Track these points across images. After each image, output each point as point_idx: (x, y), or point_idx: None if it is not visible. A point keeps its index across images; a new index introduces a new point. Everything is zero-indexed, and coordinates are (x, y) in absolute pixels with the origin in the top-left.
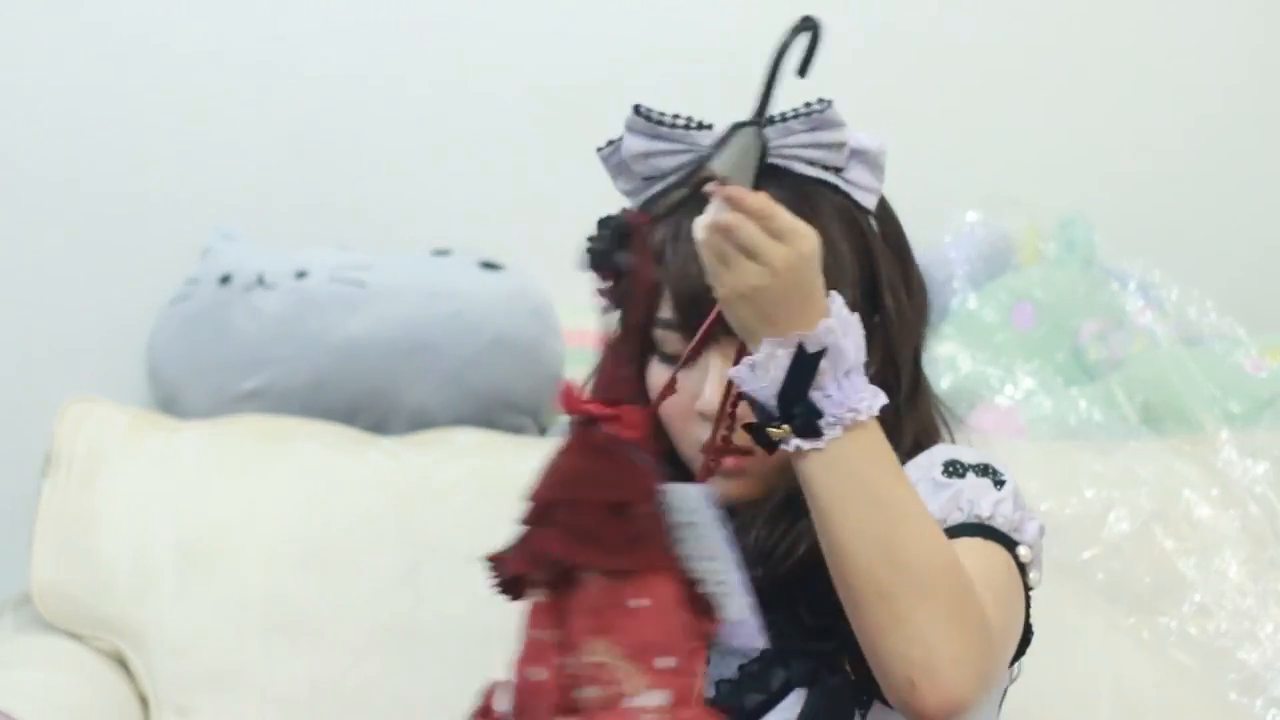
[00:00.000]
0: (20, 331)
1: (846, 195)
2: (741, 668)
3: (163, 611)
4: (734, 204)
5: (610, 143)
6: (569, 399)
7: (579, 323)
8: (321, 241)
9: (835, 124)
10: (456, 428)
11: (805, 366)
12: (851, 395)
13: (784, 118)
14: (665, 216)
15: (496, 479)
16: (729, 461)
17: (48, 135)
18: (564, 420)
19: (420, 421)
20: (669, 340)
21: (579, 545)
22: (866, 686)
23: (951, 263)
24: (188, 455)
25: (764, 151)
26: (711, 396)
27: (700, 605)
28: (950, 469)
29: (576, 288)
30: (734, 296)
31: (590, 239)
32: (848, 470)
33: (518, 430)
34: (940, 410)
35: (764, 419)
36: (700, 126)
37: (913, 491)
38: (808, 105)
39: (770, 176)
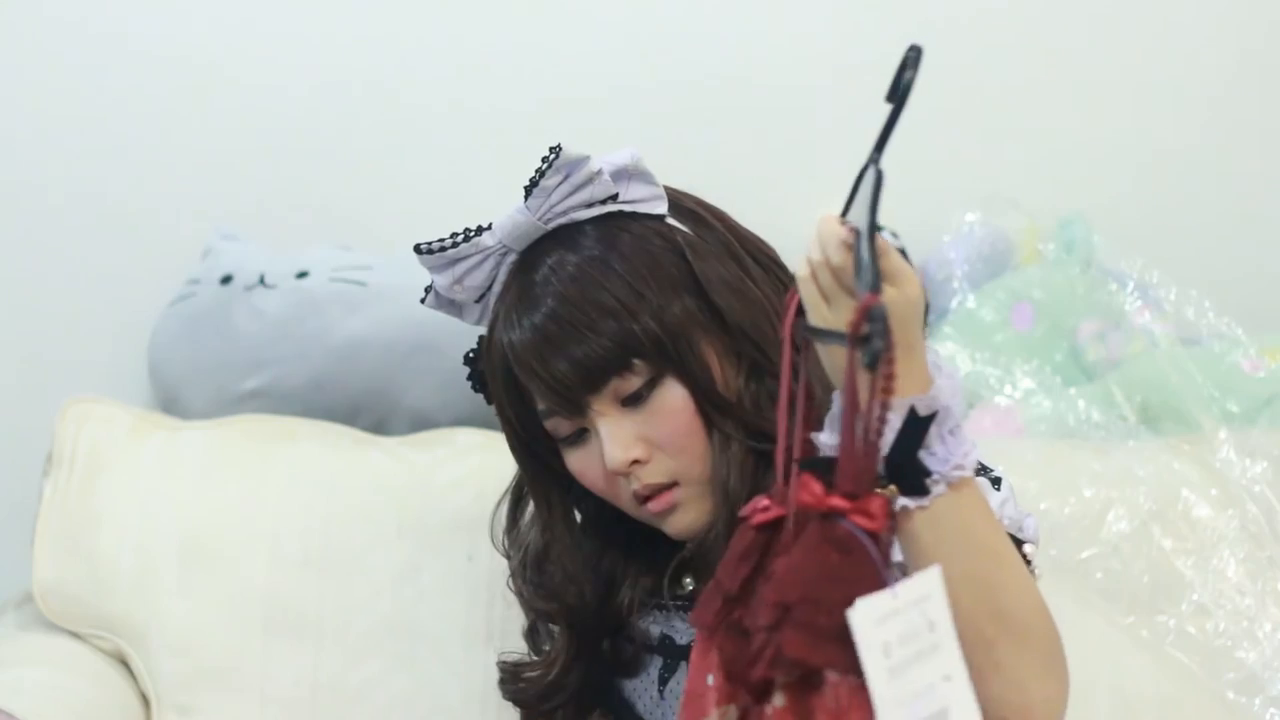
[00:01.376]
0: (22, 331)
1: (634, 215)
2: None
3: (164, 611)
4: (844, 244)
5: (426, 290)
6: (812, 494)
7: None
8: (322, 241)
9: (576, 162)
10: (456, 428)
11: (917, 430)
12: (956, 451)
13: (533, 184)
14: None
15: (496, 479)
16: (656, 503)
17: (50, 137)
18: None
19: (420, 421)
20: (559, 426)
21: (823, 645)
22: None
23: (951, 263)
24: (189, 455)
25: (879, 184)
26: (612, 454)
27: None
28: None
29: None
30: None
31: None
32: (951, 525)
33: None
34: None
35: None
36: (480, 230)
37: (1007, 539)
38: (544, 160)
39: (559, 240)
